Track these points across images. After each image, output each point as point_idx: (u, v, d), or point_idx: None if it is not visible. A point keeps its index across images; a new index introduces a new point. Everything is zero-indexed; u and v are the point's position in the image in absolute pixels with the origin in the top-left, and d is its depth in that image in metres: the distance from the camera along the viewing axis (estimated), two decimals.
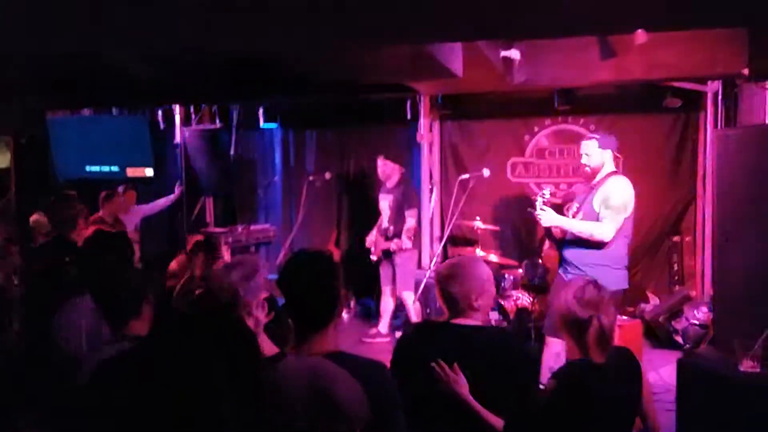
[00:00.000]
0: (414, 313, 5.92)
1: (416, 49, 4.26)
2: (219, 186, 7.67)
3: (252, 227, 7.02)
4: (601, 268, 4.03)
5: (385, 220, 6.19)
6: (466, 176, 5.28)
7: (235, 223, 7.59)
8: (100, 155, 7.78)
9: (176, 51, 4.86)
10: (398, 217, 6.04)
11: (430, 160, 7.14)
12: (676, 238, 6.23)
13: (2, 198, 8.87)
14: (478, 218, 5.63)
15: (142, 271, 2.66)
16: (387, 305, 6.21)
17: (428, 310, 5.78)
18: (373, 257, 6.23)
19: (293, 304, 1.99)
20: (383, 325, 6.28)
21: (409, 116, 7.03)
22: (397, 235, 5.96)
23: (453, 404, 2.33)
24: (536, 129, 6.81)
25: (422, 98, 6.93)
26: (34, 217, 6.92)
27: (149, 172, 7.67)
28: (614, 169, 4.40)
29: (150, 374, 1.22)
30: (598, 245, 4.14)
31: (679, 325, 5.48)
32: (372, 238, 6.29)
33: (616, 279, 4.10)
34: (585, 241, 4.16)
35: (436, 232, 7.02)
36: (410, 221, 5.97)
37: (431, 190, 7.11)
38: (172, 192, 7.89)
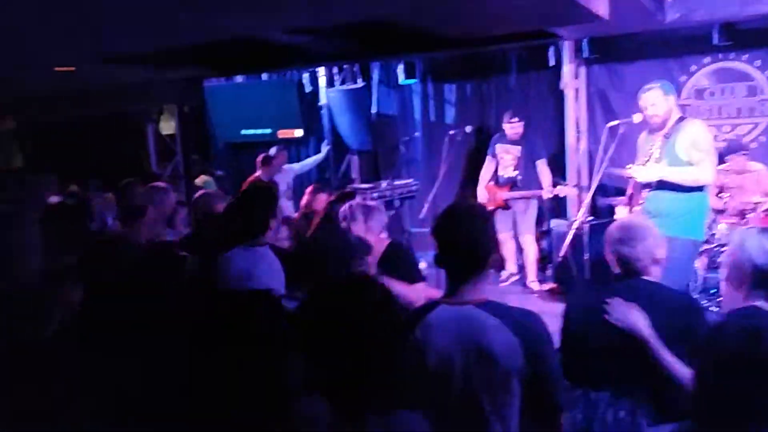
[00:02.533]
0: (532, 258, 6.21)
1: None
2: (362, 143, 7.90)
3: (395, 182, 7.17)
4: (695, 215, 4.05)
5: (508, 169, 6.30)
6: (615, 123, 5.03)
7: (379, 179, 7.80)
8: (254, 119, 8.27)
9: (327, 21, 5.07)
10: (527, 167, 6.17)
11: (575, 108, 6.87)
12: None
13: (170, 162, 9.72)
14: (629, 166, 5.36)
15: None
16: (509, 250, 6.42)
17: (574, 263, 5.64)
18: (489, 207, 6.25)
19: (447, 254, 2.04)
20: (511, 265, 6.51)
21: (552, 63, 6.79)
22: (528, 185, 6.16)
23: (633, 355, 2.29)
24: (693, 68, 6.31)
25: (565, 43, 6.65)
26: (200, 178, 7.55)
27: (298, 133, 8.06)
28: (681, 115, 4.28)
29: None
30: (691, 192, 4.04)
31: None
32: (485, 189, 6.42)
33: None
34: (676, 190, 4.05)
35: (583, 183, 6.78)
36: (544, 171, 6.18)
37: (577, 139, 6.86)
38: (320, 151, 8.25)
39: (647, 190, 4.28)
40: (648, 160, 4.25)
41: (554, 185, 6.16)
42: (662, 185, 4.14)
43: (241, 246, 3.18)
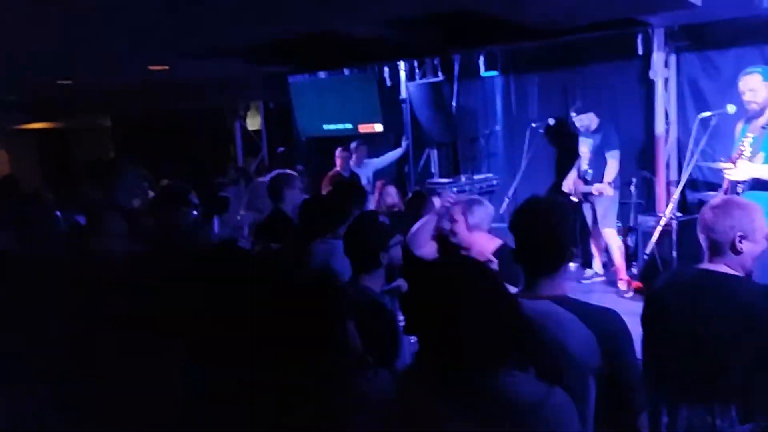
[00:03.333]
0: (618, 254, 5.95)
1: None
2: (442, 137, 7.88)
3: (475, 177, 7.12)
4: None
5: (584, 162, 6.13)
6: (707, 114, 4.80)
7: (459, 173, 7.76)
8: (335, 114, 8.41)
9: (407, 15, 5.11)
10: (598, 161, 5.99)
11: (665, 98, 6.58)
12: None
13: (255, 157, 10.05)
14: (723, 159, 5.11)
15: (381, 231, 2.85)
16: (597, 245, 6.29)
17: (660, 259, 5.44)
18: (574, 199, 6.18)
19: (525, 249, 2.03)
20: (596, 264, 6.34)
21: (640, 51, 6.53)
22: (597, 179, 5.91)
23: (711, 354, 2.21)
24: None
25: (655, 30, 6.38)
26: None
27: (378, 127, 8.13)
28: None
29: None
30: None
31: None
32: (569, 182, 6.26)
33: None
34: None
35: (672, 176, 6.51)
36: (612, 165, 5.92)
37: (667, 131, 6.58)
38: (400, 146, 8.30)
39: (742, 186, 4.07)
40: (741, 156, 4.04)
41: (642, 180, 5.96)
42: (758, 183, 3.93)
43: (321, 238, 3.25)
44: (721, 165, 4.16)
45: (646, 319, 2.43)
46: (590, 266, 6.50)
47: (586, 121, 6.05)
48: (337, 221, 3.25)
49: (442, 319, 1.48)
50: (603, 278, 6.29)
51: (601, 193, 5.83)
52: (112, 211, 3.79)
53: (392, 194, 5.71)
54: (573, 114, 6.13)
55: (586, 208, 6.18)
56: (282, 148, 9.10)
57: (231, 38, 5.71)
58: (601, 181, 5.87)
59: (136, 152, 10.91)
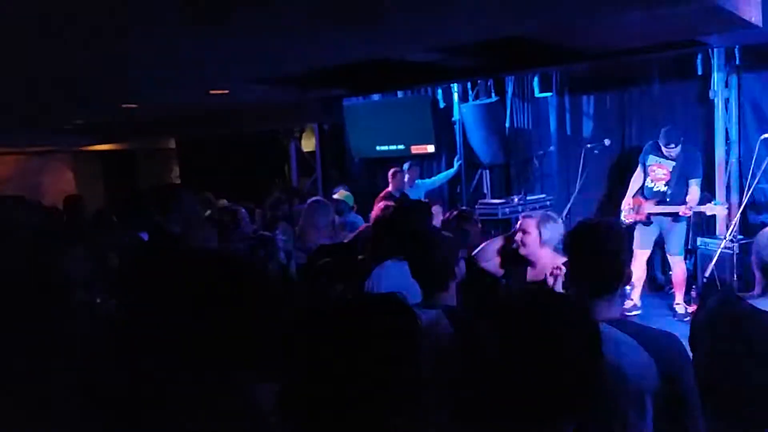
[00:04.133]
0: (681, 279, 5.83)
1: (701, 4, 3.92)
2: (495, 158, 7.88)
3: (528, 197, 7.08)
4: None
5: (659, 183, 5.94)
6: None
7: (511, 193, 7.73)
8: (388, 135, 8.52)
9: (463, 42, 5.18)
10: (679, 184, 5.83)
11: (725, 118, 6.44)
12: None
13: (309, 177, 10.24)
14: None
15: (450, 246, 2.81)
16: (639, 273, 5.88)
17: (720, 282, 5.29)
18: (627, 220, 5.99)
19: (580, 271, 2.03)
20: (635, 296, 5.95)
21: (700, 72, 6.42)
22: (676, 201, 5.77)
23: (754, 390, 2.14)
24: None
25: (715, 51, 6.26)
26: (339, 193, 7.87)
27: (431, 148, 8.19)
28: None
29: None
30: None
31: None
32: (632, 201, 6.07)
33: None
34: None
35: (734, 198, 6.33)
36: (695, 191, 5.76)
37: (727, 152, 6.42)
38: (452, 166, 8.32)
39: None
40: None
41: (702, 202, 5.75)
42: None
43: (393, 259, 3.27)
44: None
45: (692, 345, 2.38)
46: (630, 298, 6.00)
47: (673, 152, 5.89)
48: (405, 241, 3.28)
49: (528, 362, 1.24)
50: (640, 311, 5.88)
51: (685, 213, 5.72)
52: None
53: (437, 213, 5.72)
54: (662, 145, 5.91)
55: (646, 231, 5.98)
56: (334, 171, 9.25)
57: (288, 65, 5.89)
58: (683, 204, 5.76)
59: (199, 173, 11.28)
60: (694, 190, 5.78)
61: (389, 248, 3.32)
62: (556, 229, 3.27)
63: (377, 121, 8.56)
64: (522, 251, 3.28)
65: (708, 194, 6.39)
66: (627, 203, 6.10)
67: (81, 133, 10.89)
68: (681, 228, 5.89)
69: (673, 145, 5.82)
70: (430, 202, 6.02)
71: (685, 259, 6.30)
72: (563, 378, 1.24)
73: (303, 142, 10.48)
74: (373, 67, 6.38)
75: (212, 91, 7.17)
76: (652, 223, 5.93)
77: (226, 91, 7.18)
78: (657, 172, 5.97)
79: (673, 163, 5.85)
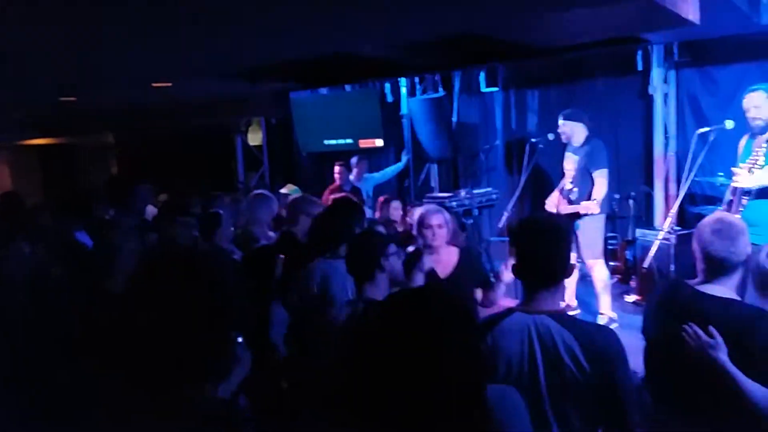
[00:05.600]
0: (601, 285, 5.40)
1: (643, 2, 4.03)
2: (443, 152, 7.93)
3: (474, 191, 7.16)
4: None
5: (567, 180, 5.55)
6: (706, 129, 4.84)
7: (459, 187, 7.80)
8: (336, 129, 8.47)
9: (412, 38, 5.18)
10: (583, 179, 5.36)
11: (664, 113, 6.64)
12: None
13: (256, 172, 10.11)
14: (721, 174, 5.15)
15: (377, 239, 2.93)
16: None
17: (658, 272, 5.44)
18: None
19: (525, 263, 2.05)
20: (570, 297, 5.65)
21: (640, 67, 6.59)
22: (582, 197, 5.30)
23: (707, 372, 2.20)
24: None
25: (654, 47, 6.44)
26: (286, 187, 7.77)
27: (379, 142, 8.19)
28: None
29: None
30: None
31: None
32: (553, 200, 5.68)
33: None
34: None
35: (671, 191, 6.54)
36: (600, 184, 5.29)
37: (666, 145, 6.63)
38: (400, 160, 8.34)
39: (746, 198, 4.09)
40: (755, 165, 4.06)
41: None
42: (763, 193, 3.96)
43: (322, 257, 3.29)
44: (736, 170, 4.15)
45: (645, 333, 2.46)
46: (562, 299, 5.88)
47: (568, 129, 5.52)
48: (336, 241, 3.28)
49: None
50: (576, 312, 5.58)
51: (587, 213, 5.16)
52: (126, 228, 3.83)
53: (397, 208, 5.81)
54: (560, 119, 5.61)
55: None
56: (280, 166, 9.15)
57: (234, 57, 5.78)
58: (588, 200, 5.26)
59: (139, 168, 10.98)
60: (599, 183, 5.31)
61: (318, 246, 3.35)
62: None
63: (325, 115, 8.50)
64: (434, 243, 3.45)
65: (647, 187, 6.59)
66: (550, 201, 5.75)
67: (18, 127, 10.47)
68: (593, 229, 5.38)
69: (565, 120, 5.51)
70: (388, 198, 6.03)
71: (626, 250, 6.48)
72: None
73: (249, 136, 10.33)
74: (321, 61, 6.33)
75: (155, 84, 6.99)
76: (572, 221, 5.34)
77: (169, 84, 7.00)
78: (567, 169, 5.62)
79: (578, 157, 5.49)
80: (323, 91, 8.70)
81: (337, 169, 7.28)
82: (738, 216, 3.90)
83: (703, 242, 2.34)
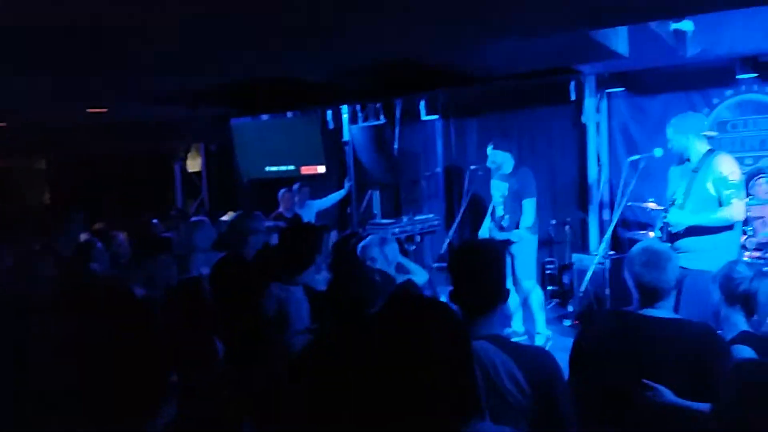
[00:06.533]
0: (537, 305, 5.53)
1: (577, 35, 4.18)
2: (384, 179, 7.98)
3: (416, 218, 7.21)
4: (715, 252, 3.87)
5: (499, 208, 5.70)
6: (636, 157, 5.02)
7: (400, 214, 7.84)
8: (278, 156, 8.40)
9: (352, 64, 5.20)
10: (514, 206, 5.53)
11: (597, 141, 6.88)
12: None
13: (195, 199, 9.91)
14: (651, 200, 5.35)
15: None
16: (513, 300, 5.60)
17: (595, 295, 5.57)
18: None
19: (461, 290, 2.06)
20: (516, 323, 5.80)
21: (573, 97, 6.82)
22: (513, 225, 5.50)
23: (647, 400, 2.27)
24: (716, 101, 6.30)
25: (586, 78, 6.69)
26: (227, 215, 7.64)
27: (321, 169, 8.16)
28: (710, 148, 4.20)
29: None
30: (723, 229, 4.00)
31: None
32: (485, 229, 5.83)
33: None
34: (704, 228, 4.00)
35: (605, 216, 6.75)
36: (529, 212, 5.48)
37: (599, 172, 6.85)
38: (343, 187, 8.34)
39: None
40: (673, 203, 4.21)
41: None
42: (693, 229, 4.08)
43: (278, 283, 3.24)
44: (650, 206, 4.31)
45: (574, 361, 2.49)
46: (508, 326, 5.84)
47: (499, 158, 5.63)
48: (297, 268, 3.23)
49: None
50: (524, 339, 5.61)
51: (520, 240, 5.41)
52: (46, 256, 3.69)
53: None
54: (490, 147, 5.71)
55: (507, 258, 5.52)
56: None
57: (172, 83, 5.69)
58: (517, 228, 5.49)
59: (71, 195, 10.60)
60: (528, 211, 5.50)
61: (274, 271, 3.29)
62: (394, 250, 3.40)
63: (266, 141, 8.43)
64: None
65: (582, 213, 6.78)
66: (483, 228, 5.89)
67: None
68: (527, 251, 5.56)
69: (495, 149, 5.63)
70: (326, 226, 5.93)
71: (563, 274, 6.62)
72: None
73: (188, 162, 10.14)
74: (260, 87, 6.29)
75: (90, 110, 6.80)
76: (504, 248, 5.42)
77: (104, 110, 6.83)
78: (496, 197, 5.77)
79: (507, 185, 5.63)
80: (264, 117, 8.65)
81: (280, 195, 7.22)
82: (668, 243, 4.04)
83: (634, 274, 2.43)
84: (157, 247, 4.05)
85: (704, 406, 2.17)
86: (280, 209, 7.16)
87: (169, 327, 3.03)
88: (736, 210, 3.99)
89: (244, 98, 7.18)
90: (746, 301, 2.38)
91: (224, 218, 7.51)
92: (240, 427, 2.59)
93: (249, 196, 9.26)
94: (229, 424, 2.60)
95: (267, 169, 8.57)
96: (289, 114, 8.51)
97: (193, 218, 4.69)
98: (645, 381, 2.26)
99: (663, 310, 2.40)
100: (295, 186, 7.50)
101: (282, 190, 7.29)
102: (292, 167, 8.34)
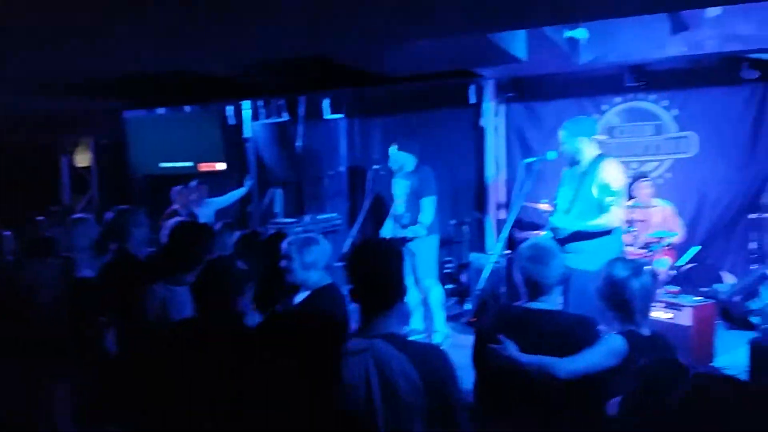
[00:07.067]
0: (436, 303, 5.59)
1: (478, 37, 4.25)
2: (287, 177, 7.85)
3: (319, 216, 7.15)
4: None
5: (399, 206, 5.74)
6: (531, 159, 5.19)
7: (303, 212, 7.75)
8: (174, 152, 8.09)
9: (254, 58, 5.05)
10: (414, 205, 5.56)
11: (495, 144, 7.08)
12: (753, 215, 5.94)
13: (84, 195, 9.37)
14: (545, 201, 5.55)
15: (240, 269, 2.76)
16: (413, 298, 5.65)
17: (491, 293, 5.72)
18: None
19: (358, 288, 2.07)
20: (416, 321, 5.82)
21: (474, 100, 6.99)
22: (413, 223, 5.52)
23: (531, 387, 2.36)
24: (605, 107, 6.64)
25: (486, 82, 6.86)
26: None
27: (221, 166, 7.93)
28: (599, 152, 4.39)
29: None
30: (603, 233, 4.16)
31: (755, 305, 5.26)
32: (387, 228, 5.88)
33: None
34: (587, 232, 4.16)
35: (501, 216, 6.96)
36: (428, 210, 5.51)
37: (496, 174, 7.06)
38: (243, 185, 8.14)
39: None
40: (560, 205, 4.38)
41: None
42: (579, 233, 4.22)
43: (162, 283, 3.15)
44: (543, 206, 4.46)
45: (476, 357, 2.56)
46: (408, 323, 5.82)
47: (401, 158, 5.66)
48: (184, 268, 3.09)
49: None
50: (423, 336, 5.62)
51: (414, 238, 5.41)
52: None
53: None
54: (393, 147, 5.73)
55: (408, 255, 5.41)
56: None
57: (60, 72, 5.32)
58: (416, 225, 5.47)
59: None
60: (427, 209, 5.51)
61: (158, 271, 3.16)
62: (319, 251, 3.21)
63: (162, 136, 8.09)
64: (288, 278, 3.18)
65: (480, 213, 6.95)
66: (385, 227, 5.92)
67: None
68: (427, 249, 5.58)
69: (397, 148, 5.65)
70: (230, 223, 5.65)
71: (461, 273, 6.76)
72: None
73: (77, 156, 9.57)
74: (155, 79, 6.02)
75: None
76: (404, 246, 5.37)
77: None
78: (397, 195, 5.78)
79: (408, 183, 5.66)
80: (160, 111, 8.30)
81: (174, 192, 6.93)
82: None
83: (520, 269, 2.58)
84: (43, 246, 3.79)
85: (549, 359, 2.35)
86: (175, 206, 6.88)
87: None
88: (613, 217, 4.15)
89: (137, 91, 6.86)
90: (622, 303, 2.51)
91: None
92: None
93: (143, 193, 8.86)
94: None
95: (162, 165, 8.23)
96: (187, 108, 8.21)
97: (75, 215, 4.40)
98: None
99: (546, 303, 2.55)
100: (192, 183, 7.24)
101: (176, 187, 7.01)
102: (189, 164, 8.05)
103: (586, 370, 2.34)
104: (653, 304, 2.54)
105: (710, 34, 5.09)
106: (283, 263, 3.18)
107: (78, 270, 3.83)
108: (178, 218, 5.88)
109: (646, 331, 2.50)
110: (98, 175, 9.31)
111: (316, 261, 3.15)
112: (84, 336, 3.32)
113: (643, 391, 1.93)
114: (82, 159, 9.53)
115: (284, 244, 3.27)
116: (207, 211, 7.29)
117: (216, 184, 8.03)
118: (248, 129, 8.10)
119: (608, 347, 2.41)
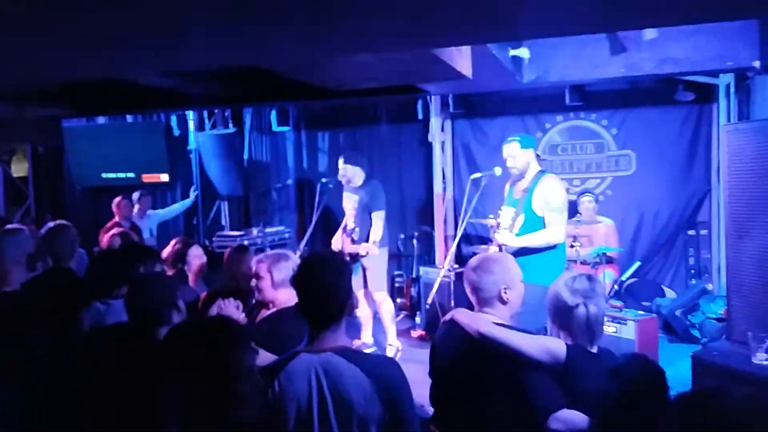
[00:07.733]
0: (388, 317, 5.60)
1: (423, 53, 4.29)
2: (233, 189, 7.74)
3: (267, 229, 7.07)
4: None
5: (350, 220, 5.72)
6: (478, 175, 5.27)
7: (250, 226, 7.65)
8: (116, 162, 7.88)
9: (192, 67, 4.96)
10: (364, 219, 5.56)
11: (442, 159, 7.16)
12: (691, 232, 6.19)
13: (20, 206, 9.01)
14: (491, 216, 5.64)
15: (171, 283, 2.75)
16: (365, 311, 5.70)
17: (440, 307, 5.76)
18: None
19: (306, 303, 2.07)
20: (366, 335, 5.81)
21: (420, 116, 7.06)
22: (364, 238, 5.52)
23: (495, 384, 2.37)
24: (548, 126, 6.81)
25: (432, 98, 6.95)
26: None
27: (165, 177, 7.76)
28: (541, 168, 4.51)
29: None
30: (547, 248, 4.24)
31: (695, 319, 5.46)
32: (338, 239, 5.85)
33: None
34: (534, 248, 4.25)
35: (450, 231, 7.04)
36: (378, 225, 5.48)
37: (444, 189, 7.13)
38: (188, 197, 7.98)
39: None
40: (498, 227, 4.46)
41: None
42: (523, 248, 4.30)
43: (99, 300, 3.08)
44: (495, 232, 4.52)
45: (431, 369, 2.58)
46: (358, 337, 5.79)
47: (350, 172, 5.61)
48: (118, 283, 3.01)
49: None
50: (373, 350, 5.56)
51: (367, 253, 5.41)
52: None
53: (199, 255, 4.80)
54: (341, 161, 5.70)
55: (358, 269, 5.53)
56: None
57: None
58: (367, 241, 5.47)
59: None
60: (376, 223, 5.48)
61: (101, 288, 3.08)
62: (288, 267, 3.11)
63: (103, 146, 7.87)
64: (258, 297, 3.12)
65: (429, 227, 7.00)
66: (336, 241, 5.88)
67: None
68: (378, 263, 5.58)
69: (346, 164, 5.61)
70: (185, 241, 5.39)
71: (411, 287, 6.79)
72: None
73: (13, 166, 9.21)
74: (97, 86, 5.85)
75: None
76: (356, 261, 5.47)
77: None
78: (347, 208, 5.75)
79: (357, 198, 5.63)
80: (101, 119, 8.07)
81: (115, 203, 6.74)
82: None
83: (466, 277, 2.60)
84: None
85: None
86: (117, 219, 6.69)
87: None
88: (555, 233, 4.25)
89: (77, 98, 6.65)
90: (571, 327, 2.49)
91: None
92: None
93: (83, 205, 8.59)
94: None
95: (104, 175, 8.01)
96: (129, 118, 8.02)
97: (8, 226, 4.20)
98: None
99: (492, 315, 2.52)
100: (135, 194, 7.06)
101: (117, 198, 6.81)
102: (132, 174, 7.86)
103: (519, 347, 2.35)
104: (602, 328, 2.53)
105: (647, 56, 5.29)
106: (252, 282, 3.12)
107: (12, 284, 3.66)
108: (118, 229, 5.71)
109: (593, 348, 2.50)
110: (35, 186, 8.98)
111: (285, 279, 2.96)
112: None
113: (621, 391, 1.95)
114: (19, 168, 9.17)
115: (253, 262, 3.23)
116: (150, 223, 7.12)
117: (162, 195, 7.87)
118: (193, 140, 7.97)
119: (548, 343, 2.39)
